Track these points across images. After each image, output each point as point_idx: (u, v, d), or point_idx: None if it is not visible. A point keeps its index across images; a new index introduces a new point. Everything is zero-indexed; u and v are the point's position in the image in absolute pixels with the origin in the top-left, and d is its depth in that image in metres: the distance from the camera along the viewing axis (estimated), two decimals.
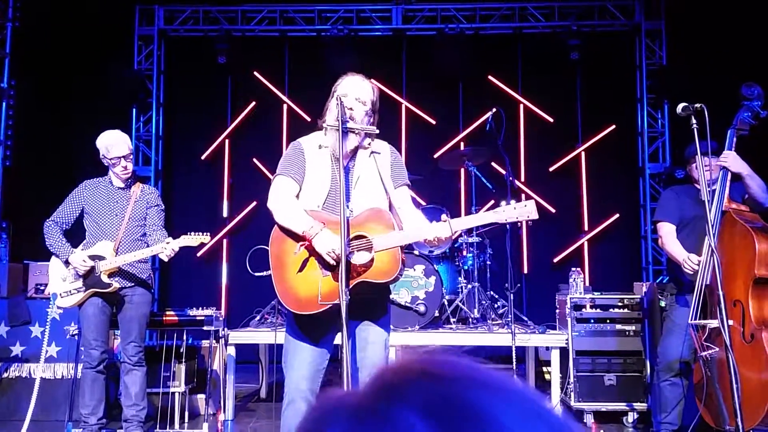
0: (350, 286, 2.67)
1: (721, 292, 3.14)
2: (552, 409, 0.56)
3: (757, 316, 3.49)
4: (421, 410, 0.52)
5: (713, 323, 3.48)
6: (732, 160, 3.65)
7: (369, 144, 3.03)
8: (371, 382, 0.58)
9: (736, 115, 3.63)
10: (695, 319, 3.59)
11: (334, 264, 2.73)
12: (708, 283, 3.58)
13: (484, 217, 2.91)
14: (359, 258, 2.77)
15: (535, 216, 2.85)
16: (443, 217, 2.83)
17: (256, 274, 4.51)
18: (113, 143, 4.32)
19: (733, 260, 3.51)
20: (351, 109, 2.91)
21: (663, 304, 4.20)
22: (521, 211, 2.83)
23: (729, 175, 3.68)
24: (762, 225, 3.67)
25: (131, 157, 4.38)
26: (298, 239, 2.84)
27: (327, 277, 2.80)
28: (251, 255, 4.75)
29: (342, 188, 2.73)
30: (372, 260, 2.76)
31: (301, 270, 2.84)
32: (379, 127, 3.04)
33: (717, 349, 3.50)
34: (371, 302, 2.88)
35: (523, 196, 7.73)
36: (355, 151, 3.00)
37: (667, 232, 4.09)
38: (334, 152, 2.95)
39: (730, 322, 3.31)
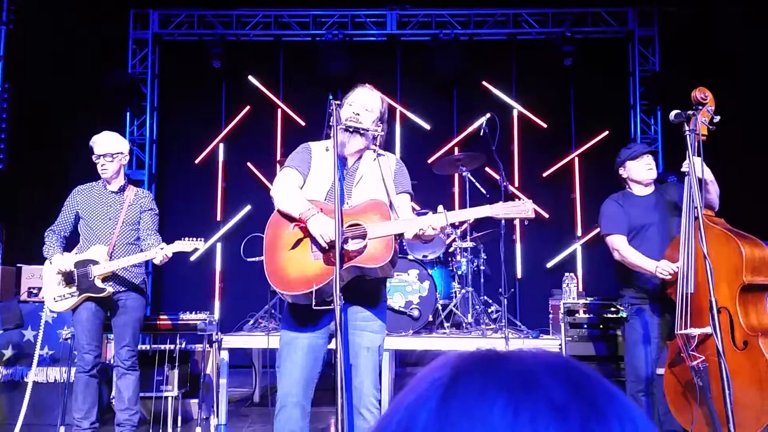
0: (341, 270, 2.68)
1: (713, 299, 3.13)
2: None
3: (746, 323, 3.47)
4: (554, 374, 0.58)
5: (697, 331, 3.47)
6: (698, 166, 3.64)
7: (374, 149, 3.09)
8: (498, 351, 0.63)
9: (693, 120, 3.61)
10: (683, 329, 3.57)
11: (326, 247, 2.76)
12: (692, 291, 3.55)
13: (479, 210, 2.95)
14: (353, 244, 2.80)
15: (530, 215, 2.87)
16: (439, 208, 2.86)
17: (249, 259, 4.52)
18: (96, 141, 4.34)
19: (714, 266, 3.46)
20: (358, 114, 3.01)
21: (624, 314, 4.13)
22: (517, 208, 2.86)
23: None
24: (735, 230, 3.67)
25: (111, 157, 4.31)
26: (295, 223, 2.89)
27: (318, 261, 2.83)
28: (246, 242, 4.75)
29: (336, 188, 2.74)
30: (365, 246, 2.79)
31: (291, 251, 2.87)
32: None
33: (703, 357, 3.48)
34: (363, 287, 2.90)
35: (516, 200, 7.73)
36: (360, 153, 3.09)
37: (622, 244, 3.99)
38: (340, 153, 3.00)
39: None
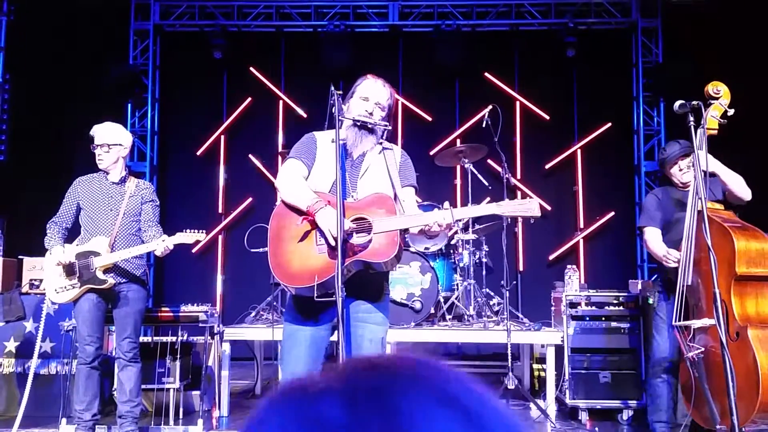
0: (345, 264, 2.67)
1: (717, 291, 3.13)
2: (474, 395, 0.58)
3: (740, 313, 3.51)
4: (338, 395, 0.56)
5: (697, 323, 3.51)
6: (704, 159, 3.63)
7: (381, 142, 3.08)
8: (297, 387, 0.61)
9: (704, 115, 3.61)
10: (679, 320, 3.61)
11: (334, 241, 2.74)
12: (689, 283, 3.60)
13: (486, 208, 2.93)
14: (357, 238, 2.78)
15: (537, 214, 2.85)
16: (445, 204, 2.84)
17: (252, 250, 4.50)
18: (96, 130, 4.35)
19: (708, 259, 3.49)
20: (371, 113, 2.98)
21: (651, 301, 4.23)
22: (523, 207, 2.84)
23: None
24: (737, 222, 3.68)
25: (108, 147, 4.29)
26: (302, 215, 2.87)
27: (323, 255, 2.81)
28: (250, 233, 4.74)
29: (339, 183, 2.72)
30: (370, 241, 2.77)
31: (297, 244, 2.86)
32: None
33: (702, 348, 3.51)
34: (366, 281, 2.88)
35: (519, 193, 7.75)
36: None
37: (652, 236, 4.14)
38: (346, 146, 2.99)
39: (713, 322, 3.32)
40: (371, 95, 3.01)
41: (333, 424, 0.53)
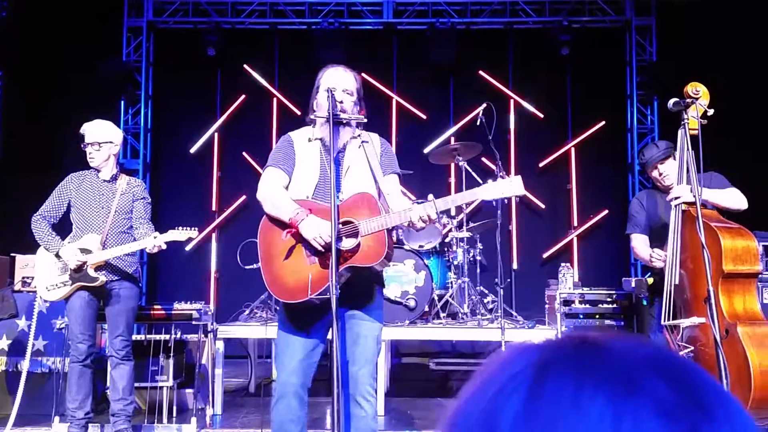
0: (338, 271, 2.66)
1: (711, 288, 3.14)
2: None
3: (729, 311, 3.52)
4: (656, 370, 0.51)
5: (686, 322, 3.52)
6: (686, 194, 3.62)
7: (359, 135, 3.04)
8: (589, 341, 0.55)
9: (683, 116, 3.60)
10: (667, 320, 3.62)
11: (322, 250, 2.72)
12: (677, 282, 3.61)
13: (468, 194, 2.90)
14: (346, 243, 2.77)
15: (521, 191, 2.81)
16: (429, 196, 2.83)
17: (246, 267, 4.49)
18: (86, 129, 4.32)
19: (698, 258, 3.50)
20: (341, 102, 2.93)
21: (645, 302, 4.24)
22: (506, 187, 2.81)
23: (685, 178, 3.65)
24: (722, 221, 3.69)
25: (99, 146, 4.26)
26: (286, 227, 2.84)
27: (314, 265, 2.79)
28: (242, 248, 4.74)
29: (333, 183, 2.71)
30: (358, 245, 2.75)
31: (287, 258, 2.84)
32: (369, 121, 3.07)
33: (692, 347, 3.53)
34: (360, 288, 2.87)
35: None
36: (346, 142, 3.02)
37: (636, 242, 4.14)
38: (324, 143, 2.95)
39: (702, 320, 3.34)
40: (337, 84, 2.95)
41: (665, 406, 0.48)
